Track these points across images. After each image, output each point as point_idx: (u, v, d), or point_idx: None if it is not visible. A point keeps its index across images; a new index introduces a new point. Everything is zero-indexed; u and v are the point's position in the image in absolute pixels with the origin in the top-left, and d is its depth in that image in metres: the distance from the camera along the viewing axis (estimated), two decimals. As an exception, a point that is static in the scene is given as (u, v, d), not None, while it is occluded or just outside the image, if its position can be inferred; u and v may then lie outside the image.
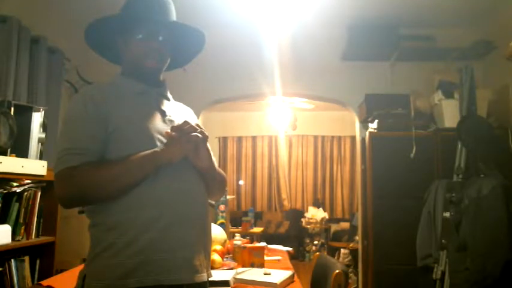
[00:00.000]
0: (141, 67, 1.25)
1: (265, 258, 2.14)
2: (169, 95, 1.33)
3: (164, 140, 1.16)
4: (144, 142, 1.14)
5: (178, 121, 1.22)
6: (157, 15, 1.24)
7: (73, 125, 1.15)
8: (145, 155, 1.11)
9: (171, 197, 1.13)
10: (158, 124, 1.19)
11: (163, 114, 1.24)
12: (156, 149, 1.13)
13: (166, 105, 1.28)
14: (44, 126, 2.60)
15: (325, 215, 6.72)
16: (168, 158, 1.12)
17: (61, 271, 2.47)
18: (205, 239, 1.20)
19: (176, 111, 1.30)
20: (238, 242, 2.27)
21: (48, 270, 2.56)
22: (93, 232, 1.14)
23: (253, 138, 7.27)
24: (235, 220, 5.53)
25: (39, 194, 2.53)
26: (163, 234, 1.10)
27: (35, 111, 2.55)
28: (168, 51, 1.28)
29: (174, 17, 1.30)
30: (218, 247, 2.15)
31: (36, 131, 2.54)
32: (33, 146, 2.52)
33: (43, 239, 2.57)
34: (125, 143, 1.13)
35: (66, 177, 1.08)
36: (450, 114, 3.19)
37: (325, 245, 6.47)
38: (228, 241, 2.36)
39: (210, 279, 1.51)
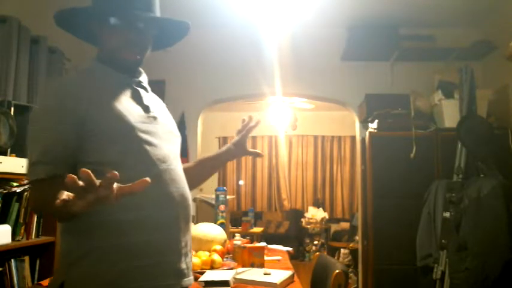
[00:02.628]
0: (118, 58, 1.13)
1: (265, 258, 2.14)
2: (147, 86, 1.22)
3: (149, 140, 1.07)
4: (127, 143, 1.04)
5: (161, 118, 1.15)
6: (138, 7, 1.11)
7: (45, 128, 1.01)
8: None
9: (157, 198, 1.05)
10: (143, 123, 1.09)
11: (146, 110, 1.13)
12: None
13: (147, 99, 1.16)
14: (44, 126, 2.60)
15: (325, 215, 6.72)
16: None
17: (61, 271, 2.46)
18: (190, 241, 1.15)
19: (157, 106, 1.20)
20: (238, 242, 2.27)
21: (48, 270, 2.56)
22: (68, 237, 1.04)
23: (253, 138, 7.27)
24: (235, 220, 5.54)
25: (39, 194, 2.53)
26: (151, 237, 1.02)
27: (35, 111, 2.55)
28: (149, 41, 1.15)
29: (157, 5, 1.17)
30: (218, 247, 2.15)
31: (36, 131, 2.54)
32: (33, 146, 2.51)
33: (43, 239, 2.57)
34: (107, 143, 1.02)
35: (32, 190, 1.03)
36: (450, 114, 3.19)
37: (325, 245, 6.47)
38: (228, 241, 2.36)
39: (210, 279, 1.51)
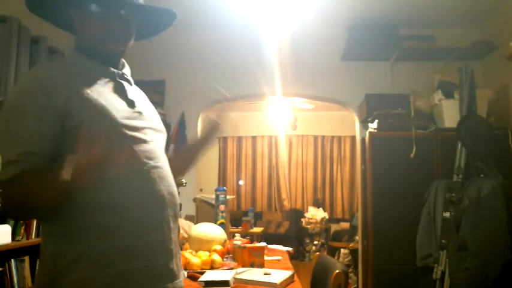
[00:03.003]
0: (100, 49, 1.05)
1: (265, 258, 2.14)
2: (131, 79, 1.14)
3: (135, 136, 1.02)
4: (112, 140, 0.95)
5: (146, 113, 1.09)
6: None
7: (17, 124, 0.94)
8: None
9: (148, 197, 1.01)
10: (128, 119, 1.02)
11: (131, 104, 1.06)
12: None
13: (131, 92, 1.09)
14: (44, 126, 2.60)
15: (325, 215, 6.72)
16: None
17: (61, 271, 2.46)
18: (178, 241, 1.13)
19: (141, 100, 1.13)
20: (238, 242, 2.27)
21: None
22: (53, 241, 0.99)
23: (253, 138, 7.27)
24: (235, 220, 5.54)
25: (39, 194, 2.53)
26: (145, 239, 0.99)
27: (35, 111, 2.55)
28: (132, 31, 1.08)
29: None
30: (218, 247, 2.16)
31: (36, 131, 2.54)
32: (33, 146, 2.51)
33: (43, 239, 2.57)
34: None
35: (9, 188, 0.93)
36: (450, 114, 3.19)
37: (325, 245, 6.47)
38: (228, 241, 2.36)
39: (210, 279, 1.50)
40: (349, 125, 4.50)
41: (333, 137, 7.18)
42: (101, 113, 0.98)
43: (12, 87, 1.08)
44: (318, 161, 7.22)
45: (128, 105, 1.05)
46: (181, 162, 1.32)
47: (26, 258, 2.46)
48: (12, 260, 2.34)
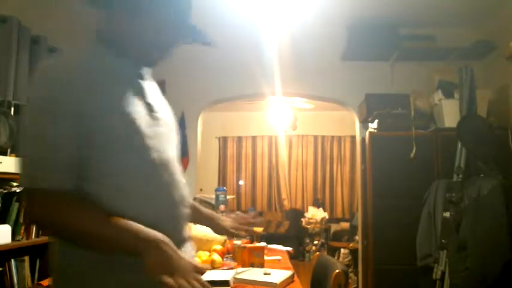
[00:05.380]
0: (142, 53, 1.01)
1: (265, 258, 2.14)
2: (149, 77, 1.10)
3: (156, 146, 0.98)
4: (135, 151, 0.94)
5: (164, 117, 1.05)
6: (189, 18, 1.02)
7: (45, 126, 0.88)
8: (140, 237, 0.87)
9: (168, 214, 0.99)
10: (149, 127, 0.98)
11: (150, 109, 1.01)
12: (157, 237, 0.87)
13: (149, 93, 1.04)
14: (44, 126, 2.60)
15: (325, 215, 6.72)
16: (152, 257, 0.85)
17: (61, 271, 2.46)
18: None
19: (159, 102, 1.08)
20: (238, 242, 2.27)
21: (48, 270, 2.56)
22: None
23: (253, 138, 7.27)
24: (235, 220, 5.53)
25: (39, 194, 2.53)
26: None
27: (35, 111, 2.55)
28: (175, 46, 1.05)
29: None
30: (218, 247, 2.16)
31: (36, 131, 2.54)
32: (33, 146, 2.51)
33: (43, 239, 2.57)
34: (110, 151, 0.91)
35: (51, 205, 0.87)
36: (450, 114, 3.19)
37: (325, 245, 6.47)
38: (227, 241, 2.36)
39: (210, 279, 1.50)
40: (349, 125, 4.50)
41: (333, 137, 7.18)
42: (125, 122, 0.93)
43: (35, 84, 0.94)
44: (318, 161, 7.22)
45: (147, 110, 1.00)
46: (195, 215, 1.29)
47: (26, 258, 2.46)
48: (12, 260, 2.35)
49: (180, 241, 1.00)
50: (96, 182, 0.91)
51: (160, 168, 0.99)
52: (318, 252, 3.18)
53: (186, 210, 1.06)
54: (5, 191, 2.33)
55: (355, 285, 4.20)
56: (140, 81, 1.04)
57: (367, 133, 3.41)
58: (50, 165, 0.88)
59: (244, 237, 1.90)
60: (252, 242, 2.45)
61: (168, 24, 0.99)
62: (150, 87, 1.08)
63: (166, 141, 1.04)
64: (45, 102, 0.89)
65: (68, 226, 0.88)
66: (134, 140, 0.94)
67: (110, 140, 0.91)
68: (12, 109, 2.43)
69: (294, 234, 6.94)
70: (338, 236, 6.23)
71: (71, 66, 0.94)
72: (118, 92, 0.96)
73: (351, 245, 5.16)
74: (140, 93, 1.01)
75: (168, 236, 0.90)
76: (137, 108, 0.97)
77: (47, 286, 1.71)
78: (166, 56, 1.04)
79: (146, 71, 1.07)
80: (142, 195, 0.95)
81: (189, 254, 1.07)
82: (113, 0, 1.00)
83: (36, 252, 2.55)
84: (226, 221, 1.40)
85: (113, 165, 0.92)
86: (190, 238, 1.10)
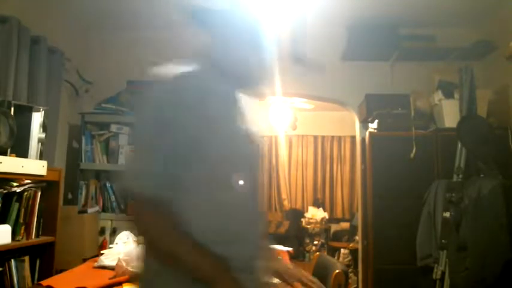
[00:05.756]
0: (250, 78, 1.14)
1: (265, 258, 2.14)
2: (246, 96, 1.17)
3: (251, 165, 1.08)
4: (227, 169, 1.00)
5: (255, 137, 1.11)
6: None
7: (162, 137, 0.95)
8: (213, 270, 0.95)
9: (255, 227, 1.08)
10: (244, 148, 1.06)
11: (247, 131, 1.08)
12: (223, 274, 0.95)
13: (247, 114, 1.11)
14: (44, 126, 2.60)
15: (325, 215, 6.72)
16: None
17: (61, 271, 2.47)
18: None
19: (255, 124, 1.14)
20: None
21: (48, 270, 2.56)
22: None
23: (253, 138, 7.27)
24: (235, 220, 5.53)
25: (39, 194, 2.53)
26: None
27: (35, 111, 2.56)
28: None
29: None
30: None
31: (36, 131, 2.54)
32: (33, 146, 2.52)
33: (43, 239, 2.57)
34: (206, 168, 0.98)
35: (147, 215, 0.95)
36: (450, 114, 3.18)
37: (325, 245, 6.46)
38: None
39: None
40: (349, 125, 4.50)
41: (333, 137, 7.18)
42: (228, 141, 1.01)
43: (161, 92, 1.00)
44: (317, 161, 7.22)
45: (245, 132, 1.07)
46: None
47: (26, 258, 2.46)
48: (12, 260, 2.34)
49: (254, 258, 1.06)
50: (191, 195, 0.98)
51: (249, 186, 1.05)
52: (318, 253, 3.18)
53: (264, 228, 1.13)
54: (5, 191, 2.33)
55: (355, 285, 4.20)
56: (240, 101, 1.11)
57: (367, 133, 3.41)
58: (150, 177, 0.94)
59: None
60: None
61: (269, 49, 1.15)
62: (250, 106, 1.15)
63: (255, 161, 1.12)
64: (158, 121, 0.95)
65: (156, 239, 0.96)
66: (233, 158, 1.01)
67: (210, 157, 0.97)
68: (12, 109, 2.42)
69: (294, 234, 6.94)
70: (338, 236, 6.23)
71: (183, 88, 0.99)
72: (223, 112, 1.03)
73: (351, 245, 5.16)
74: (240, 116, 1.08)
75: (245, 251, 1.00)
76: (237, 130, 1.05)
77: (47, 286, 1.71)
78: (268, 77, 1.17)
79: (249, 90, 1.16)
80: (232, 210, 1.01)
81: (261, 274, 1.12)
82: (223, 27, 1.14)
83: (36, 252, 2.55)
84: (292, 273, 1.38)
85: (210, 179, 0.98)
86: (269, 258, 1.18)
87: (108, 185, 3.63)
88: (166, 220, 0.95)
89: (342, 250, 5.50)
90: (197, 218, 0.97)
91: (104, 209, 3.59)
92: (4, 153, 2.31)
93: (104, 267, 2.12)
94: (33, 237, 2.49)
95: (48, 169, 2.55)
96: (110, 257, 2.20)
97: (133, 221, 0.97)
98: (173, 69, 1.04)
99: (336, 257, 5.38)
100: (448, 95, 3.24)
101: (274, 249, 1.15)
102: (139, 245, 1.06)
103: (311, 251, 6.58)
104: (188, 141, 0.95)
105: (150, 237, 0.97)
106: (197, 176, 0.97)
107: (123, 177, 0.99)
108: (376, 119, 3.33)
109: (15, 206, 2.39)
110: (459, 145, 2.90)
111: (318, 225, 6.61)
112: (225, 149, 0.99)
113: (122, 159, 3.58)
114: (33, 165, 2.45)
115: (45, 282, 1.79)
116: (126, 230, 2.58)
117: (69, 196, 3.58)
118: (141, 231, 0.98)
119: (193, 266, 0.94)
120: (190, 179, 0.97)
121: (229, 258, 0.97)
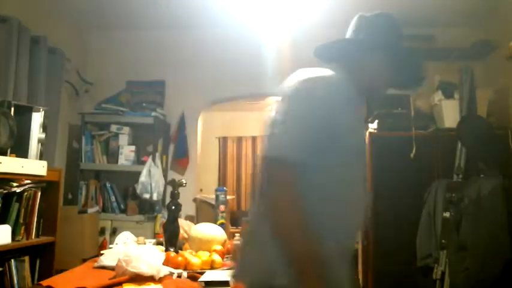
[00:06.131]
0: (375, 91, 1.35)
1: (265, 258, 2.14)
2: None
3: (363, 162, 1.24)
4: (354, 162, 1.13)
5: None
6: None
7: (314, 125, 1.06)
8: None
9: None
10: (363, 145, 1.33)
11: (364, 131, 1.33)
12: None
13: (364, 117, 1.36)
14: (44, 127, 2.60)
15: (325, 215, 6.72)
16: None
17: (61, 271, 2.46)
18: None
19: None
20: (238, 242, 2.27)
21: (48, 270, 2.56)
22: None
23: (253, 138, 7.26)
24: (235, 220, 5.53)
25: (39, 194, 2.53)
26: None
27: (35, 111, 2.55)
28: None
29: None
30: (218, 247, 2.15)
31: (36, 131, 2.54)
32: (33, 146, 2.52)
33: (43, 239, 2.57)
34: (339, 155, 1.09)
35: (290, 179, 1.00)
36: (450, 114, 3.19)
37: (325, 245, 6.47)
38: (228, 241, 2.36)
39: (210, 279, 1.51)
40: (349, 125, 4.50)
41: (333, 137, 7.18)
42: (358, 137, 1.19)
43: (317, 84, 1.19)
44: (318, 161, 7.22)
45: (364, 131, 1.33)
46: None
47: (26, 258, 2.46)
48: (12, 260, 2.34)
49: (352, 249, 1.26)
50: (325, 172, 1.07)
51: (363, 178, 1.21)
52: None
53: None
54: (5, 191, 2.33)
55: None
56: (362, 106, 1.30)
57: (367, 133, 3.41)
58: (301, 146, 1.03)
59: None
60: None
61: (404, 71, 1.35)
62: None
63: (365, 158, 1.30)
64: (315, 108, 1.07)
65: (281, 203, 0.99)
66: (359, 152, 1.17)
67: (346, 146, 1.09)
68: (12, 109, 2.42)
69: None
70: (338, 236, 6.22)
71: (339, 81, 1.19)
72: (360, 113, 1.24)
73: (351, 245, 5.16)
74: (363, 116, 1.29)
75: (348, 242, 1.15)
76: (362, 129, 1.25)
77: (47, 286, 1.71)
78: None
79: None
80: (358, 207, 1.14)
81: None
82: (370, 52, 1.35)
83: (36, 252, 2.55)
84: None
85: (340, 161, 1.07)
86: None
87: (108, 185, 3.64)
88: (296, 189, 0.99)
89: (342, 250, 5.49)
90: (324, 211, 1.05)
91: (104, 209, 3.59)
92: (4, 154, 2.30)
93: (104, 268, 2.11)
94: (33, 237, 2.49)
95: (48, 169, 2.55)
96: (110, 257, 2.20)
97: (267, 180, 1.01)
98: (321, 71, 1.25)
99: (336, 257, 5.37)
100: (448, 95, 3.24)
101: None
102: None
103: (311, 251, 6.59)
104: (338, 132, 1.06)
105: (277, 198, 1.00)
106: (335, 164, 1.07)
107: (267, 140, 1.06)
108: (376, 119, 3.33)
109: (15, 206, 2.39)
110: (459, 145, 2.90)
111: (318, 225, 6.61)
112: (361, 146, 1.20)
113: (122, 160, 3.59)
114: (33, 166, 2.45)
115: (45, 282, 1.79)
116: (126, 230, 2.58)
117: (69, 196, 3.58)
118: (271, 190, 1.00)
119: (300, 248, 0.97)
120: (329, 167, 1.06)
121: (344, 250, 1.11)
